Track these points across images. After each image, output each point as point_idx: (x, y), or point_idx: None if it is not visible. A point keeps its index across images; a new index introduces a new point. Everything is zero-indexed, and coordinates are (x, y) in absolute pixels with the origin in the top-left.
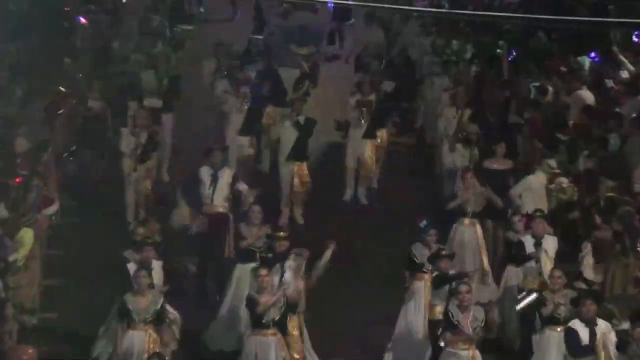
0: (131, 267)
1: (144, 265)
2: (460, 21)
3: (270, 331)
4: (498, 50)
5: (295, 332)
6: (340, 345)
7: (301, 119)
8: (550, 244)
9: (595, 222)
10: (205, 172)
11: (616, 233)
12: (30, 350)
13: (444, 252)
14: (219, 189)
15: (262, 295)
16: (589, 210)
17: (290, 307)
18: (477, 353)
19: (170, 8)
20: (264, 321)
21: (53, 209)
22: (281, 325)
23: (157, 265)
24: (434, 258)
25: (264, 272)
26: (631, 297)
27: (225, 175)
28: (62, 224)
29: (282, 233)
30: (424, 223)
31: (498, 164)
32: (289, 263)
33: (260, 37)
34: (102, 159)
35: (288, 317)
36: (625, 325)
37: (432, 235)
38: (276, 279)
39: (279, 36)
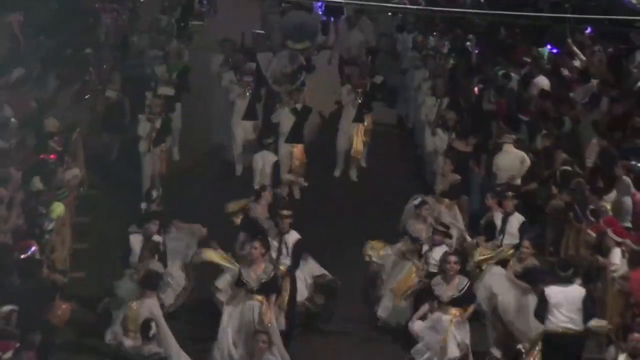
0: (135, 239)
1: (146, 238)
2: (435, 18)
3: (256, 296)
4: (467, 43)
5: (285, 294)
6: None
7: (298, 106)
8: (515, 220)
9: (552, 192)
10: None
11: (569, 202)
12: (64, 306)
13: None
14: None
15: (252, 267)
16: (546, 182)
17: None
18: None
19: (183, 7)
20: (251, 287)
21: (77, 173)
22: (270, 289)
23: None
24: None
25: (257, 244)
26: (583, 257)
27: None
28: (87, 195)
29: (285, 211)
30: (418, 200)
31: (461, 146)
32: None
33: (262, 32)
34: (119, 141)
35: (280, 281)
36: (578, 281)
37: (426, 209)
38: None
39: (277, 32)
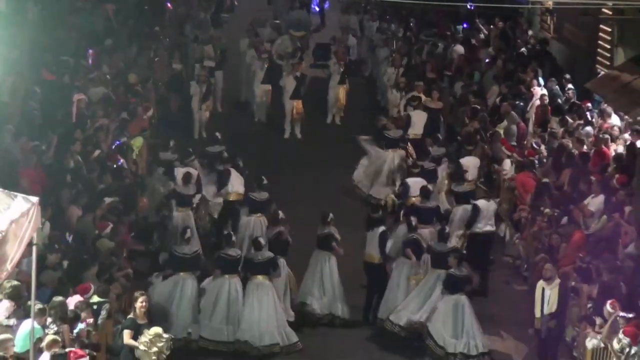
0: (178, 170)
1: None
2: (386, 6)
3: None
4: (410, 24)
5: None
6: None
7: (299, 74)
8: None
9: (465, 122)
10: None
11: (476, 128)
12: (144, 200)
13: None
14: None
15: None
16: (462, 115)
17: None
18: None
19: (217, 2)
20: None
21: (150, 112)
22: None
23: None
24: None
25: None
26: (485, 165)
27: None
28: (158, 126)
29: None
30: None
31: (433, 104)
32: None
33: (278, 22)
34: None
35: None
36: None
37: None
38: None
39: (285, 23)
